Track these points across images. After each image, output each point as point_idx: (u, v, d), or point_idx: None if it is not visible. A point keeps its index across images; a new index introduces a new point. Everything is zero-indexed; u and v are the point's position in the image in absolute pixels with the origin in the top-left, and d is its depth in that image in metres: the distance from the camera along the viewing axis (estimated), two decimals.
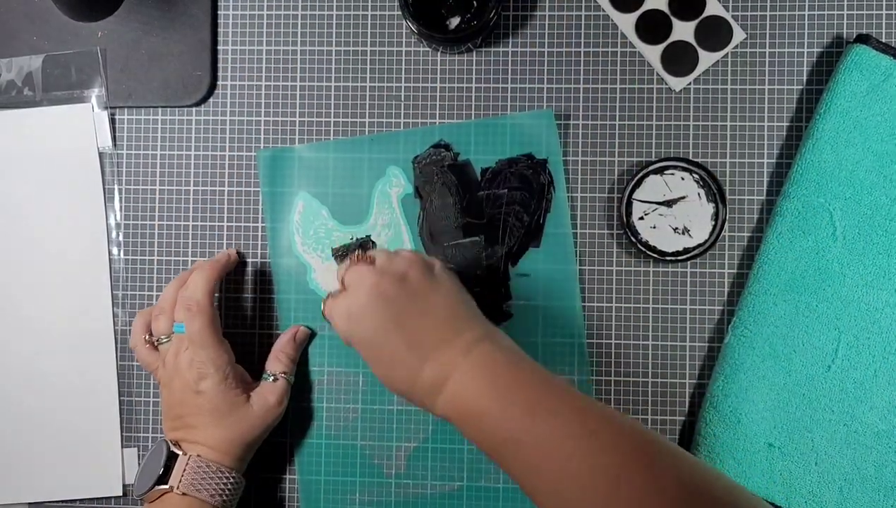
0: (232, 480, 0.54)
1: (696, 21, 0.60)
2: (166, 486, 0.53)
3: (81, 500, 0.62)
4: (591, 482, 0.43)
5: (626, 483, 0.42)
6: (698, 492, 0.42)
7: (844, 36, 0.60)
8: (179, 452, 0.54)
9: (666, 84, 0.61)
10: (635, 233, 0.59)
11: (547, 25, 0.61)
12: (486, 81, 0.62)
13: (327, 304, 0.52)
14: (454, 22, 0.60)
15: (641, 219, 0.59)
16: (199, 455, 0.54)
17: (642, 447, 0.44)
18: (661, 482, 0.42)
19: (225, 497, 0.54)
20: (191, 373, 0.54)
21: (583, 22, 0.61)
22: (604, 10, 0.61)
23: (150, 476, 0.54)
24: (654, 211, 0.58)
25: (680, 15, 0.60)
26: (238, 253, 0.62)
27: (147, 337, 0.58)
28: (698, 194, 0.58)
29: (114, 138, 0.63)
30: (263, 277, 0.62)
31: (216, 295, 0.62)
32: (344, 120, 0.62)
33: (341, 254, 0.61)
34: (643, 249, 0.58)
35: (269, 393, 0.57)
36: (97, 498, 0.62)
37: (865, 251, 0.56)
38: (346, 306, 0.50)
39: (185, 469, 0.53)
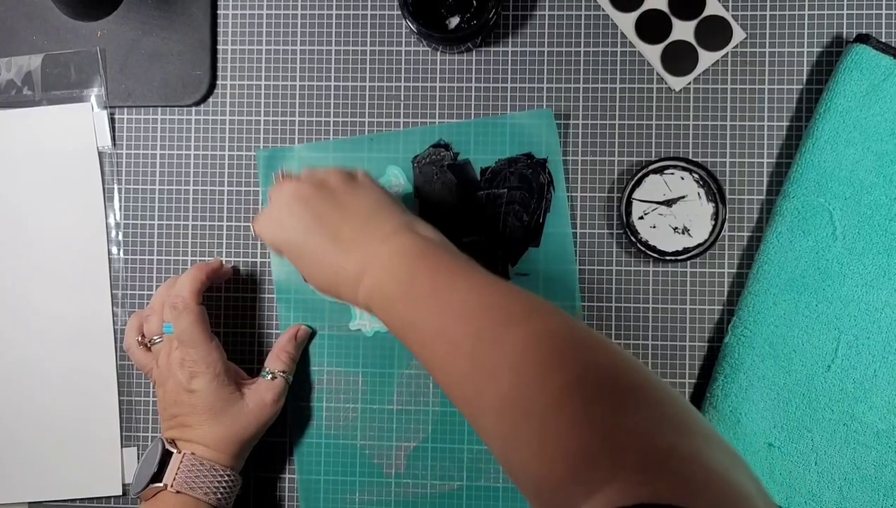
0: (227, 478, 0.54)
1: (696, 20, 0.60)
2: (160, 484, 0.53)
3: (81, 500, 0.62)
4: (472, 348, 0.43)
5: (494, 341, 0.42)
6: (581, 349, 0.40)
7: (844, 36, 0.60)
8: (174, 450, 0.54)
9: (666, 84, 0.61)
10: (635, 233, 0.59)
11: (547, 25, 0.61)
12: (485, 81, 0.62)
13: (255, 221, 0.54)
14: (454, 21, 0.60)
15: (641, 218, 0.59)
16: (193, 454, 0.54)
17: (522, 305, 0.44)
18: (534, 337, 0.41)
19: (220, 496, 0.54)
20: (182, 373, 0.55)
21: (583, 21, 0.61)
22: (604, 10, 0.61)
23: (145, 474, 0.54)
24: (653, 210, 0.58)
25: (680, 14, 0.60)
26: (235, 268, 0.62)
27: (140, 338, 0.58)
28: (698, 194, 0.58)
29: (113, 138, 0.63)
30: (263, 277, 0.62)
31: (211, 292, 0.62)
32: (344, 120, 0.62)
33: None
34: (643, 249, 0.58)
35: (266, 390, 0.57)
36: (97, 498, 0.62)
37: (865, 251, 0.56)
38: (268, 217, 0.52)
39: (179, 468, 0.53)
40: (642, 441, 0.35)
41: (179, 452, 0.54)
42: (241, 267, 0.62)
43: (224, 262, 0.61)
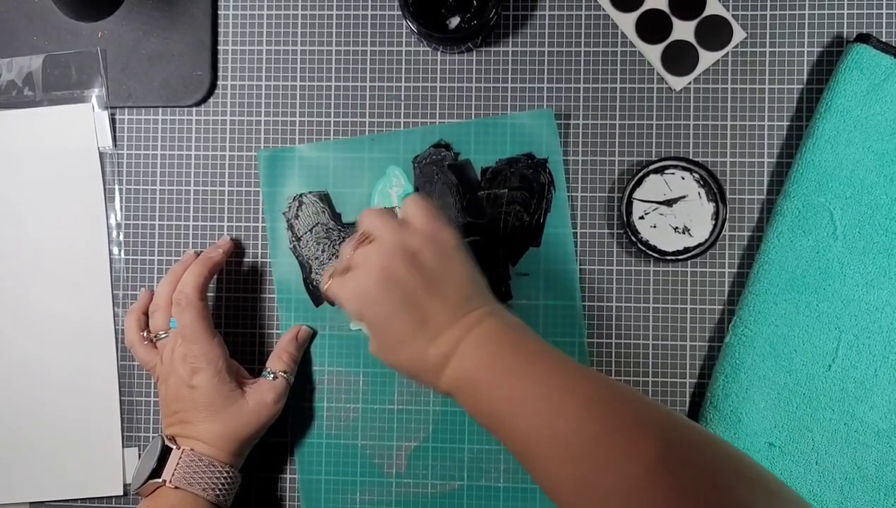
0: (225, 474, 0.54)
1: (697, 20, 0.60)
2: (159, 480, 0.53)
3: (82, 500, 0.63)
4: (570, 441, 0.43)
5: (605, 440, 0.42)
6: (687, 448, 0.41)
7: (845, 35, 0.60)
8: (174, 447, 0.54)
9: (666, 83, 0.61)
10: (635, 233, 0.59)
11: (547, 25, 0.61)
12: (486, 81, 0.62)
13: (332, 283, 0.51)
14: (454, 21, 0.60)
15: (642, 218, 0.59)
16: (192, 450, 0.54)
17: (624, 404, 0.44)
18: (643, 440, 0.41)
19: (218, 492, 0.54)
20: (184, 368, 0.55)
21: (583, 21, 0.61)
22: (604, 10, 0.61)
23: (144, 470, 0.54)
24: (654, 210, 0.58)
25: (680, 14, 0.60)
26: (234, 240, 0.62)
27: (145, 333, 0.58)
28: (698, 193, 0.58)
29: (114, 138, 0.63)
30: (263, 277, 0.62)
31: (211, 293, 0.62)
32: (344, 120, 0.62)
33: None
34: (643, 249, 0.58)
35: (267, 390, 0.57)
36: (98, 498, 0.63)
37: (866, 250, 0.56)
38: (354, 287, 0.50)
39: (177, 463, 0.54)
40: None
41: (179, 448, 0.54)
42: (241, 268, 0.63)
43: (225, 247, 0.61)
